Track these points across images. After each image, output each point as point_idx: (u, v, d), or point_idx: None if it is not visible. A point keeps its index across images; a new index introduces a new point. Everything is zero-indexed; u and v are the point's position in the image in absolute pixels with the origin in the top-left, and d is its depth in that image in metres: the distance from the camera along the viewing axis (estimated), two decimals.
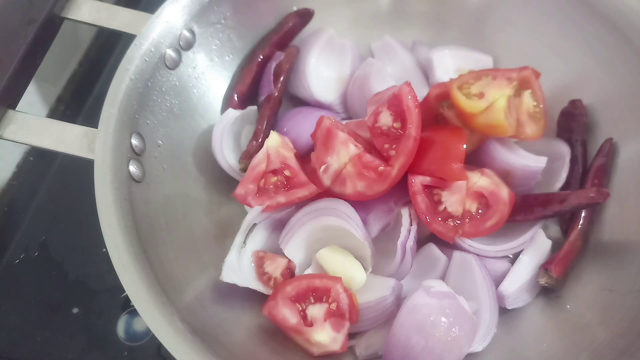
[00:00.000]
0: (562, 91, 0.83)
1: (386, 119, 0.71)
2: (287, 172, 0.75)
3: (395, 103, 0.71)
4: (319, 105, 0.88)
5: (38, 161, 1.00)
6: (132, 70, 0.71)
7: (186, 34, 0.78)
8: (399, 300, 0.69)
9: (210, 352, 0.58)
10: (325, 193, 0.73)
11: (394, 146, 0.70)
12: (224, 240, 0.77)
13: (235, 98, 0.84)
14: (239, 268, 0.71)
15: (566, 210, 0.71)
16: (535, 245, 0.73)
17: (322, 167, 0.72)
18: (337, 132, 0.72)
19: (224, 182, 0.83)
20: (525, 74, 0.74)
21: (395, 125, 0.71)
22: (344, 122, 0.83)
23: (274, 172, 0.75)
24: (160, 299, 0.60)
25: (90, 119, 0.71)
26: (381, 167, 0.69)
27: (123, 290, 0.58)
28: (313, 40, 0.89)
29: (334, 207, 0.72)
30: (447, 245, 0.74)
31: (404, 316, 0.65)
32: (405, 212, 0.72)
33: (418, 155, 0.69)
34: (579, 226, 0.73)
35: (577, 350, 0.66)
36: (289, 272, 0.72)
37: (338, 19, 0.93)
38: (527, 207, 0.72)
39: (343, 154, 0.71)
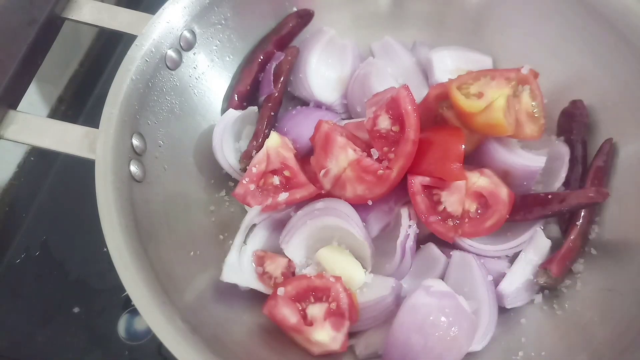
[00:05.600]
0: (562, 91, 0.83)
1: (385, 123, 0.72)
2: (286, 173, 0.75)
3: (393, 106, 0.71)
4: (319, 106, 0.89)
5: (39, 161, 1.00)
6: (133, 70, 0.71)
7: (187, 34, 0.78)
8: (398, 300, 0.69)
9: (210, 352, 0.58)
10: (325, 193, 0.74)
11: (392, 149, 0.70)
12: (224, 240, 0.78)
13: (236, 98, 0.84)
14: (239, 268, 0.71)
15: (565, 210, 0.71)
16: (535, 244, 0.73)
17: (322, 172, 0.73)
18: (335, 137, 0.72)
19: (224, 182, 0.83)
20: (524, 74, 0.74)
21: (393, 128, 0.71)
22: (343, 122, 0.84)
23: (274, 172, 0.75)
24: (161, 298, 0.60)
25: (91, 119, 0.71)
26: (380, 171, 0.70)
27: (124, 290, 0.58)
28: (314, 40, 0.89)
29: (334, 207, 0.72)
30: (447, 245, 0.74)
31: (404, 316, 0.65)
32: (404, 212, 0.72)
33: (417, 155, 0.70)
34: (578, 226, 0.73)
35: (576, 349, 0.66)
36: (289, 272, 0.73)
37: (338, 19, 0.93)
38: (526, 207, 0.72)
39: (342, 158, 0.71)
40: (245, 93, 0.85)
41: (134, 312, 0.83)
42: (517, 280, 0.71)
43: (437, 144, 0.71)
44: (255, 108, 0.84)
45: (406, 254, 0.70)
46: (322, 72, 0.89)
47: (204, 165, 0.81)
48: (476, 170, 0.72)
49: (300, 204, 0.74)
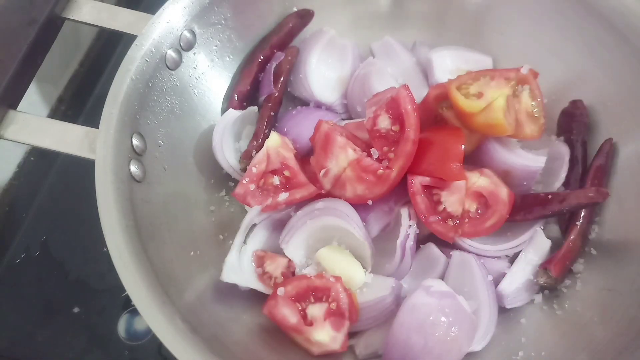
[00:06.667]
0: (562, 91, 0.83)
1: (385, 122, 0.72)
2: (286, 173, 0.75)
3: (393, 106, 0.71)
4: (319, 106, 0.89)
5: (39, 161, 1.00)
6: (133, 70, 0.71)
7: (187, 34, 0.78)
8: (398, 300, 0.69)
9: (210, 352, 0.58)
10: (325, 193, 0.74)
11: (392, 149, 0.70)
12: (224, 240, 0.78)
13: (236, 98, 0.84)
14: (239, 268, 0.71)
15: (565, 210, 0.71)
16: (535, 244, 0.73)
17: (322, 172, 0.73)
18: (335, 137, 0.72)
19: (224, 182, 0.83)
20: (524, 74, 0.74)
21: (393, 128, 0.71)
22: (343, 122, 0.84)
23: (274, 172, 0.75)
24: (161, 298, 0.60)
25: (91, 119, 0.71)
26: (380, 171, 0.70)
27: (124, 290, 0.58)
28: (314, 40, 0.89)
29: (334, 207, 0.72)
30: (447, 245, 0.74)
31: (404, 316, 0.65)
32: (404, 212, 0.72)
33: (417, 155, 0.70)
34: (578, 226, 0.73)
35: (576, 349, 0.67)
36: (289, 272, 0.73)
37: (338, 19, 0.93)
38: (526, 207, 0.72)
39: (342, 158, 0.71)
40: (245, 93, 0.85)
41: (134, 312, 0.83)
42: (517, 280, 0.71)
43: (437, 144, 0.71)
44: (255, 108, 0.84)
45: (406, 254, 0.70)
46: (322, 72, 0.89)
47: (204, 165, 0.81)
48: (476, 170, 0.72)
49: (300, 204, 0.74)
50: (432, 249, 0.75)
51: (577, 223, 0.74)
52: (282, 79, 0.85)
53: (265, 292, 0.71)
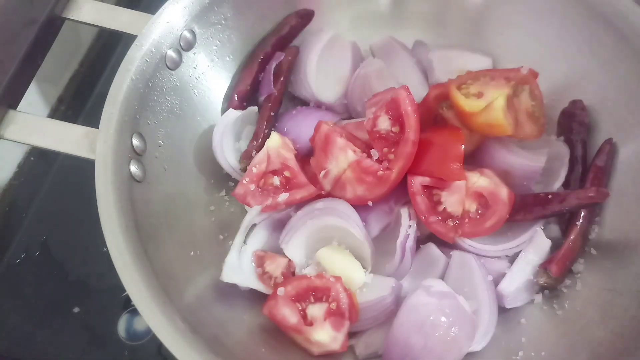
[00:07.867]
0: (562, 91, 0.83)
1: (384, 123, 0.72)
2: (287, 173, 0.75)
3: (393, 107, 0.71)
4: (319, 106, 0.89)
5: (39, 161, 1.00)
6: (133, 70, 0.71)
7: (187, 34, 0.78)
8: (398, 300, 0.69)
9: (210, 352, 0.58)
10: (325, 194, 0.74)
11: (392, 150, 0.70)
12: (224, 240, 0.78)
13: (236, 98, 0.84)
14: (239, 268, 0.71)
15: (565, 210, 0.71)
16: (535, 244, 0.73)
17: (322, 173, 0.73)
18: (335, 138, 0.72)
19: (224, 182, 0.83)
20: (523, 74, 0.74)
21: (393, 129, 0.71)
22: (344, 122, 0.84)
23: (274, 172, 0.75)
24: (161, 298, 0.60)
25: (91, 119, 0.71)
26: (380, 172, 0.70)
27: (124, 290, 0.58)
28: (314, 40, 0.89)
29: (334, 207, 0.72)
30: (447, 245, 0.74)
31: (404, 316, 0.65)
32: (404, 212, 0.72)
33: (417, 156, 0.70)
34: (578, 226, 0.73)
35: (576, 349, 0.67)
36: (289, 272, 0.73)
37: (338, 19, 0.93)
38: (526, 207, 0.72)
39: (342, 160, 0.71)
40: (245, 93, 0.85)
41: (134, 312, 0.83)
42: (517, 280, 0.71)
43: (437, 144, 0.71)
44: (255, 108, 0.84)
45: (406, 254, 0.70)
46: (322, 72, 0.89)
47: (204, 165, 0.81)
48: (476, 170, 0.72)
49: (300, 204, 0.74)
50: (432, 249, 0.75)
51: (577, 223, 0.74)
52: (282, 79, 0.85)
53: (265, 292, 0.71)
